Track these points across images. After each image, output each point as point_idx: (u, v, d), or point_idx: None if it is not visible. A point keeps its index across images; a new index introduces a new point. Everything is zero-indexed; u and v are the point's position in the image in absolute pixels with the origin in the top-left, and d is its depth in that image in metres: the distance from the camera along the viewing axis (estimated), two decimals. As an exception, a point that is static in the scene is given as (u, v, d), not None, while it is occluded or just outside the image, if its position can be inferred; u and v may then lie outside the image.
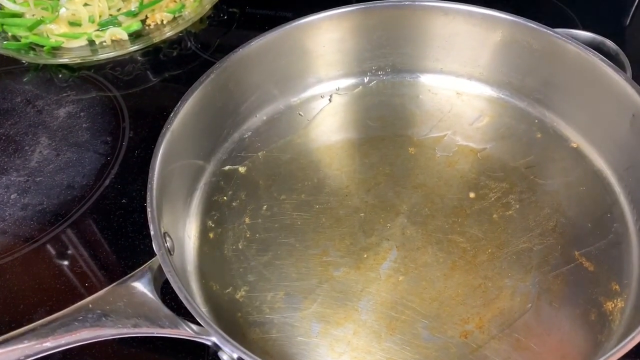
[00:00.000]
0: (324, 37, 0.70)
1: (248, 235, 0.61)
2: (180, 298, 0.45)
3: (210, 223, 0.62)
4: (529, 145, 0.66)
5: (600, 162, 0.63)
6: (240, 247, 0.60)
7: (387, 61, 0.74)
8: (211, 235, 0.61)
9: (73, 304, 0.45)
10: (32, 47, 0.87)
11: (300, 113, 0.72)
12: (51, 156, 0.74)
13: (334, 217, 0.61)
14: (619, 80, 0.57)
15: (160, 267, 0.49)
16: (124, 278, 0.47)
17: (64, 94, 0.82)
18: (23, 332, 0.40)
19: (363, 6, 0.69)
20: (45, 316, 0.49)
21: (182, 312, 0.47)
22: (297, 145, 0.69)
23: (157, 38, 0.88)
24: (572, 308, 0.53)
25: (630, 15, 0.87)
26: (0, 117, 0.79)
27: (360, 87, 0.75)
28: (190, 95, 0.61)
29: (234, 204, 0.64)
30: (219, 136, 0.68)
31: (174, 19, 0.91)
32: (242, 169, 0.66)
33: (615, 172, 0.61)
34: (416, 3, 0.68)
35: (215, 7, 0.95)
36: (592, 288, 0.54)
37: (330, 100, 0.73)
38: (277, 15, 0.93)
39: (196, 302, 0.47)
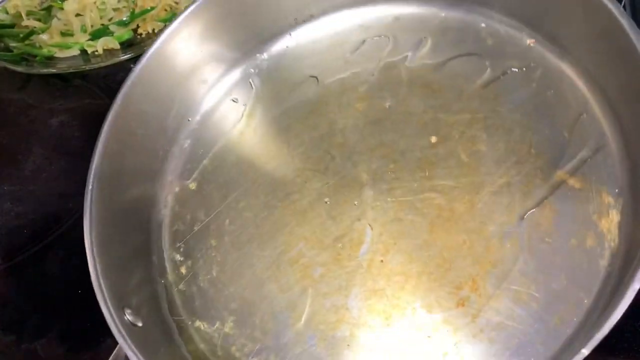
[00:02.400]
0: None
1: (219, 259, 0.57)
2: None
3: (178, 257, 0.59)
4: (480, 58, 0.59)
5: (561, 58, 0.56)
6: (214, 274, 0.57)
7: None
8: (183, 270, 0.58)
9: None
10: (24, 57, 0.86)
11: (234, 99, 0.66)
12: (44, 165, 0.75)
13: (298, 210, 0.57)
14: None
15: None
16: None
17: (57, 104, 0.82)
18: None
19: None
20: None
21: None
22: (240, 140, 0.63)
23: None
24: (567, 239, 0.49)
25: None
26: None
27: (286, 47, 0.67)
28: (105, 135, 0.56)
29: (195, 228, 0.60)
30: (156, 158, 0.63)
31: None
32: (192, 185, 0.62)
33: (579, 65, 0.54)
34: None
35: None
36: (583, 208, 0.50)
37: (256, 72, 0.67)
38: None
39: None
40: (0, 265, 0.66)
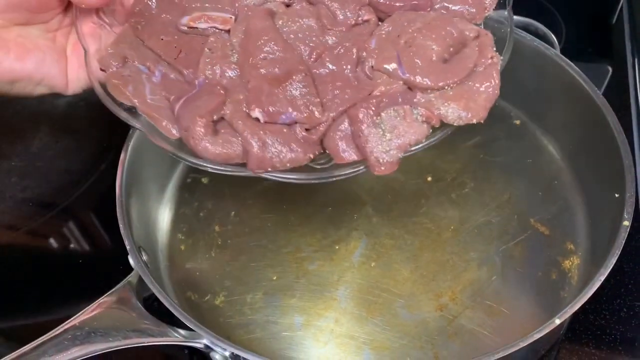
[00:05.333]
0: None
1: (220, 243, 0.62)
2: (167, 306, 0.46)
3: (180, 236, 0.63)
4: (475, 127, 0.70)
5: (541, 136, 0.67)
6: (213, 254, 0.61)
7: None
8: (183, 247, 0.62)
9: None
10: None
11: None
12: (51, 143, 0.77)
13: (302, 214, 0.63)
14: (549, 56, 0.62)
15: (139, 281, 0.50)
16: (107, 294, 0.47)
17: None
18: (14, 358, 0.40)
19: None
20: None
21: (167, 321, 0.48)
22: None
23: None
24: (535, 270, 0.57)
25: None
26: (3, 106, 0.81)
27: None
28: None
29: (201, 214, 0.64)
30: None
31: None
32: (204, 180, 0.67)
33: (557, 142, 0.66)
34: None
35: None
36: (550, 250, 0.58)
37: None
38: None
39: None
40: (6, 234, 0.68)
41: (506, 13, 0.49)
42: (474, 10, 0.47)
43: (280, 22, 0.46)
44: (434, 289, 0.56)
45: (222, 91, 0.43)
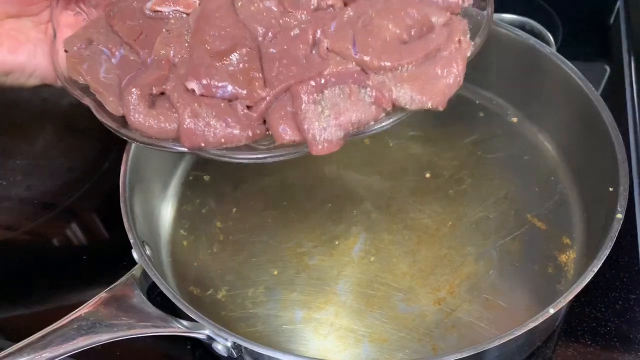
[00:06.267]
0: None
1: (221, 239, 0.63)
2: (169, 297, 0.47)
3: (182, 232, 0.64)
4: (473, 125, 0.71)
5: (538, 133, 0.68)
6: (215, 250, 0.62)
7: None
8: (185, 243, 0.63)
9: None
10: None
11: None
12: (54, 142, 0.78)
13: (302, 210, 0.64)
14: (546, 54, 0.63)
15: (143, 274, 0.51)
16: (111, 286, 0.48)
17: None
18: (21, 347, 0.41)
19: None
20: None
21: (169, 314, 0.49)
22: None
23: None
24: (531, 264, 0.58)
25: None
26: (7, 106, 0.82)
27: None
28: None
29: (203, 210, 0.65)
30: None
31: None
32: (206, 177, 0.68)
33: (553, 139, 0.67)
34: None
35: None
36: (546, 244, 0.59)
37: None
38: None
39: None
40: (11, 231, 0.69)
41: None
42: None
43: (239, 4, 0.45)
44: (432, 283, 0.57)
45: (166, 66, 0.43)
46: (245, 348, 0.46)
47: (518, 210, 0.62)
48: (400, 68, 0.41)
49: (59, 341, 0.42)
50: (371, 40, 0.41)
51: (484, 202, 0.63)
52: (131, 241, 0.51)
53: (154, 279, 0.48)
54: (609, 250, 0.48)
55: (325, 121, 0.40)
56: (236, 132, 0.40)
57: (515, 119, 0.71)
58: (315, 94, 0.40)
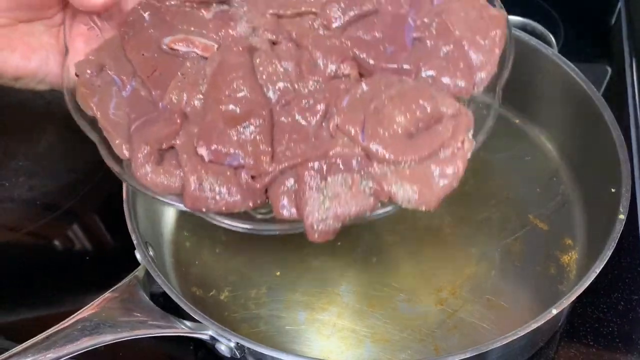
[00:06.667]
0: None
1: (224, 240, 0.63)
2: (173, 298, 0.48)
3: (185, 233, 0.64)
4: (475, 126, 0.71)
5: (540, 134, 0.69)
6: (217, 251, 0.62)
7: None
8: (188, 244, 0.63)
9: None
10: None
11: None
12: (57, 143, 0.79)
13: (304, 212, 0.64)
14: (547, 55, 0.63)
15: (146, 275, 0.51)
16: (114, 287, 0.49)
17: None
18: (25, 347, 0.41)
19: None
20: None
21: (172, 314, 0.49)
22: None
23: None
24: (534, 265, 0.58)
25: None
26: (11, 108, 0.82)
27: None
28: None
29: (206, 212, 0.65)
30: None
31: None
32: (209, 179, 0.69)
33: (555, 140, 0.67)
34: None
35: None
36: (548, 245, 0.60)
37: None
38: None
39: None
40: (14, 232, 0.69)
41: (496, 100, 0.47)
42: (463, 84, 0.43)
43: (257, 61, 0.45)
44: (435, 283, 0.57)
45: (178, 120, 0.42)
46: (249, 349, 0.46)
47: (520, 211, 0.62)
48: (403, 163, 0.40)
49: (63, 342, 0.42)
50: (380, 129, 0.41)
51: (486, 203, 0.63)
52: (134, 242, 0.51)
53: (157, 280, 0.49)
54: (611, 251, 0.48)
55: (324, 213, 0.40)
56: (237, 201, 0.41)
57: (517, 120, 0.71)
58: (319, 180, 0.40)
